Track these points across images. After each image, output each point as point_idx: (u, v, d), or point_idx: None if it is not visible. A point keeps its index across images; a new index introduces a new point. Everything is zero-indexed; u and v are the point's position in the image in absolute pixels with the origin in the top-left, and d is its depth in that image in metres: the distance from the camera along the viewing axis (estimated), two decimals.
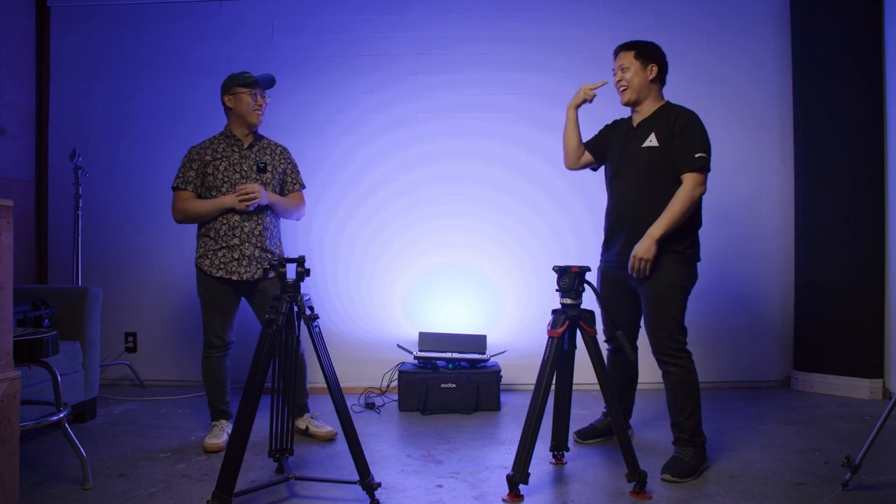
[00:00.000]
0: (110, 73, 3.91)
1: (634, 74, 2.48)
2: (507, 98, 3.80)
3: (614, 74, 2.56)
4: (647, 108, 2.51)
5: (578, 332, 2.25)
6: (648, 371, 2.78)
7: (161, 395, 3.57)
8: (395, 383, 3.52)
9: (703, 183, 2.37)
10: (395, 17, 3.83)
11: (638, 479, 2.13)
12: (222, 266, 2.67)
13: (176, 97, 3.86)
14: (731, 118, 3.70)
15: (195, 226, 2.78)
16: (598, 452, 2.62)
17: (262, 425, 2.33)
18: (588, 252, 3.37)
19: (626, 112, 2.65)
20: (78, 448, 2.23)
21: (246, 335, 3.07)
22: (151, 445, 2.71)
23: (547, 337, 2.23)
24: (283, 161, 2.85)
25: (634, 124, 2.55)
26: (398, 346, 3.58)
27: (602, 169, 2.74)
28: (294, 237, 3.70)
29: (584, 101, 2.64)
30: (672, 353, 2.38)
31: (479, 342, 3.51)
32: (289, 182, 2.88)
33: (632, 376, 2.73)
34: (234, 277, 2.67)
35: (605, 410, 2.76)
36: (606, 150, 2.67)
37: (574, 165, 2.75)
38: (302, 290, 2.13)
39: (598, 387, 2.26)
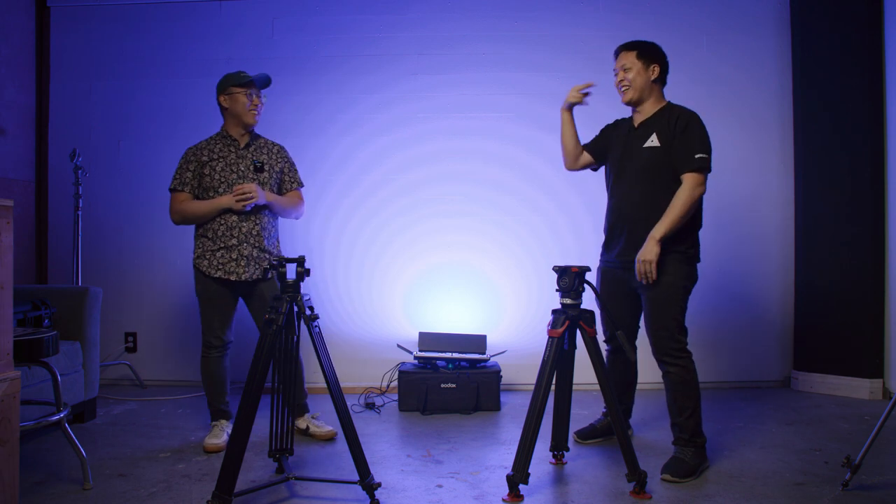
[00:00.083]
0: (110, 73, 3.91)
1: (637, 75, 2.48)
2: (507, 98, 3.80)
3: (615, 74, 2.55)
4: (649, 109, 2.51)
5: (578, 332, 2.25)
6: (648, 371, 2.78)
7: (161, 395, 3.57)
8: (395, 383, 3.52)
9: (703, 183, 2.38)
10: (395, 17, 3.83)
11: (638, 479, 2.13)
12: (220, 266, 2.67)
13: (176, 97, 3.86)
14: (731, 118, 3.70)
15: (194, 226, 2.78)
16: (598, 452, 2.62)
17: (262, 425, 2.32)
18: (588, 252, 3.37)
19: (626, 112, 2.65)
20: (78, 448, 2.23)
21: (245, 335, 3.07)
22: (151, 445, 2.71)
23: (547, 337, 2.23)
24: (280, 160, 2.84)
25: (636, 124, 2.55)
26: (398, 346, 3.58)
27: (602, 169, 2.74)
28: (294, 237, 3.70)
29: (576, 103, 2.63)
30: (672, 353, 2.38)
31: (479, 342, 3.51)
32: (286, 181, 2.87)
33: (632, 376, 2.73)
34: (233, 278, 2.67)
35: (604, 410, 2.77)
36: (607, 150, 2.67)
37: (573, 166, 2.75)
38: (302, 290, 2.13)
39: (598, 387, 2.26)
